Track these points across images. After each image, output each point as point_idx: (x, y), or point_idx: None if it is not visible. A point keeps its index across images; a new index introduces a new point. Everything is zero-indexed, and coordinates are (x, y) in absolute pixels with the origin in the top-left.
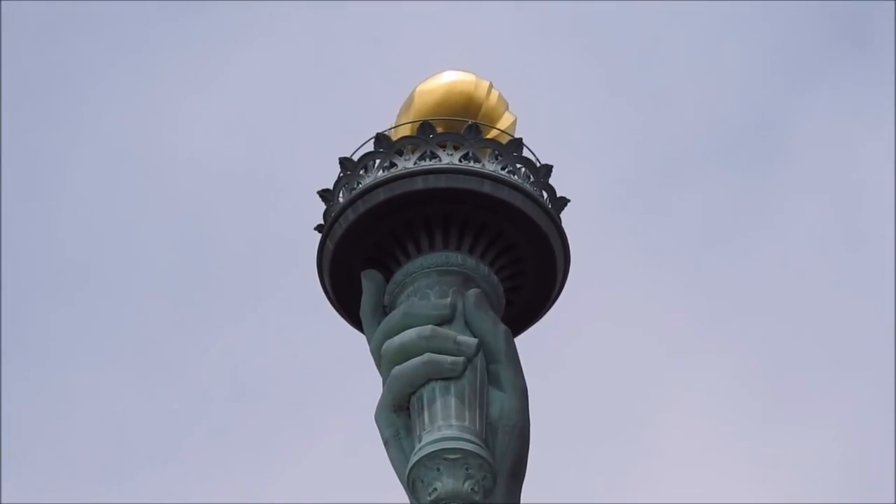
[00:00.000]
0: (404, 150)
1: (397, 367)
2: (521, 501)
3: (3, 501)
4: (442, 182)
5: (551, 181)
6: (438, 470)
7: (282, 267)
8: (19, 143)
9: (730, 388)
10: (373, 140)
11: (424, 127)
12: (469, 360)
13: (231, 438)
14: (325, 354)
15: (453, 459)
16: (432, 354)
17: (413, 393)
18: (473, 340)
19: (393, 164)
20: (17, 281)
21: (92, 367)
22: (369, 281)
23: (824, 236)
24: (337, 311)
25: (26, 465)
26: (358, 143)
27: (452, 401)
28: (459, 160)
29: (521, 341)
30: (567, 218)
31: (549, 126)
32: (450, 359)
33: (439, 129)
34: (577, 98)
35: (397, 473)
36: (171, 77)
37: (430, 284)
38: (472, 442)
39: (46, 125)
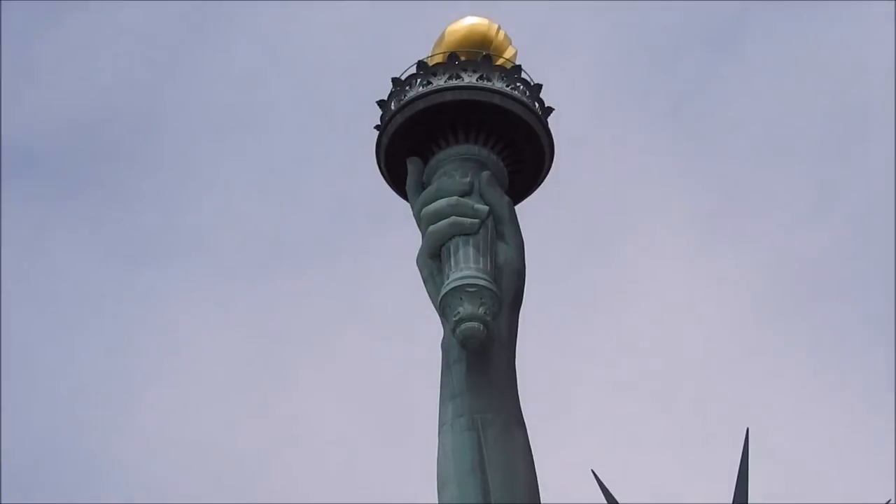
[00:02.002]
0: (438, 73)
1: (432, 226)
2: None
3: (3, 501)
4: (464, 95)
5: (547, 95)
6: (461, 299)
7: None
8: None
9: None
10: (415, 65)
11: (452, 56)
12: (483, 222)
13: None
14: None
15: (472, 291)
16: (456, 217)
17: (443, 245)
18: (486, 207)
19: (429, 83)
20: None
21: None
22: (413, 166)
23: (822, 106)
24: (390, 186)
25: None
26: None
27: (471, 250)
28: (477, 80)
29: (522, 208)
30: (568, 113)
31: (548, 50)
32: (469, 220)
33: (463, 58)
34: (573, 23)
35: (432, 301)
36: None
37: (455, 168)
38: (485, 279)
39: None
